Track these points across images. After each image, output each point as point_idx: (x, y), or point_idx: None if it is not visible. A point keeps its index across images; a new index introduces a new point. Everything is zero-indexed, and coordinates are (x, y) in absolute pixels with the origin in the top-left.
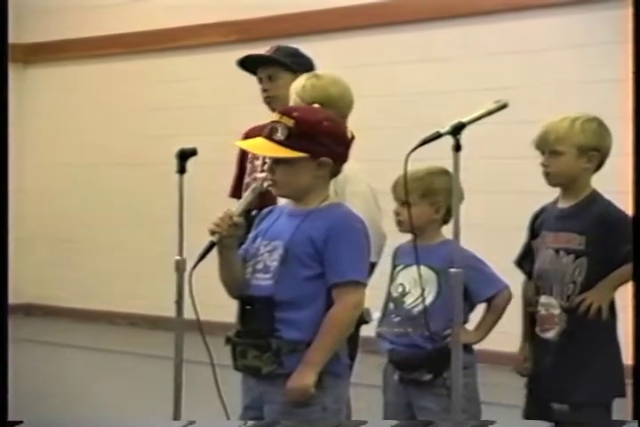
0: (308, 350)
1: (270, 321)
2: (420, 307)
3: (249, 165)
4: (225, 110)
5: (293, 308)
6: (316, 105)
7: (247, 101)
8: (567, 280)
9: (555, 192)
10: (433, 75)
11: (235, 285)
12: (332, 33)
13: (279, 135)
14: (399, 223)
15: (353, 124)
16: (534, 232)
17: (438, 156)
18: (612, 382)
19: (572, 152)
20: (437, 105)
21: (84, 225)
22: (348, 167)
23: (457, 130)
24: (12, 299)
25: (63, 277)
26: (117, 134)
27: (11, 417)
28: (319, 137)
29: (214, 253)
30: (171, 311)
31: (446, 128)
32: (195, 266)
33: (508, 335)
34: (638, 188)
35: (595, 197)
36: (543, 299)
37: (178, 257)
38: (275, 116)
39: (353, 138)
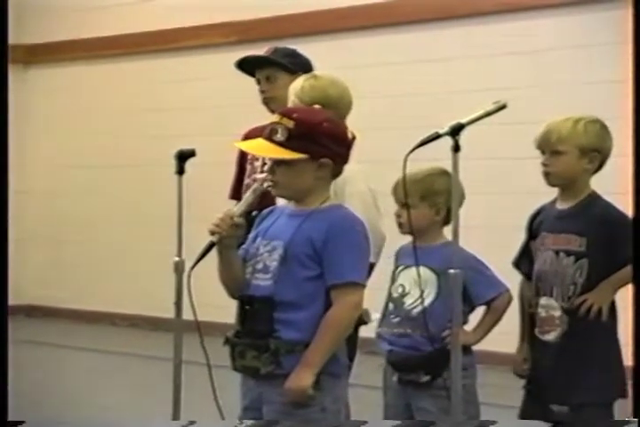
0: (307, 351)
1: (269, 321)
2: (420, 308)
3: (249, 167)
4: (225, 111)
5: (292, 308)
6: (316, 106)
7: (247, 102)
8: (568, 282)
9: (554, 193)
10: (432, 75)
11: (234, 285)
12: (332, 34)
13: (279, 136)
14: (400, 225)
15: (352, 124)
16: (532, 233)
17: (437, 157)
18: (614, 382)
19: (574, 153)
20: (437, 106)
21: (84, 226)
22: (347, 168)
23: (456, 131)
24: (13, 300)
25: (63, 279)
26: (117, 135)
27: (11, 418)
28: (319, 138)
29: (214, 253)
30: (170, 312)
31: (445, 129)
32: (193, 266)
33: (506, 336)
34: (638, 189)
35: (594, 198)
36: (543, 301)
37: (177, 258)
38: (275, 118)
39: (354, 138)
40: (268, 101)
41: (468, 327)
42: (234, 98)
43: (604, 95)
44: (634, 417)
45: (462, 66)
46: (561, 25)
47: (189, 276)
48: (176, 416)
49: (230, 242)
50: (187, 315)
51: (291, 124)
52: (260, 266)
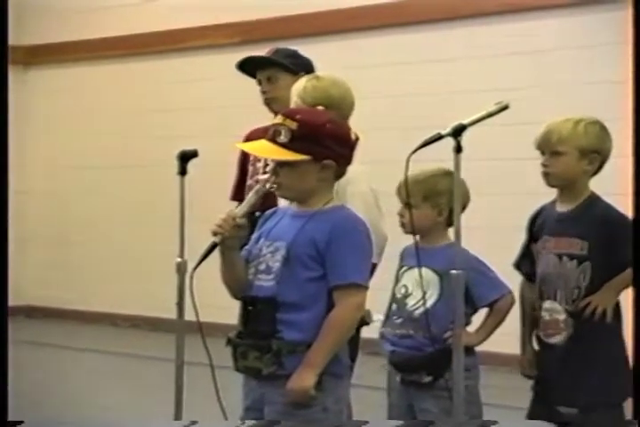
0: (309, 352)
1: (272, 322)
2: (422, 309)
3: (251, 168)
4: (228, 112)
5: (295, 309)
6: (320, 107)
7: (250, 103)
8: (572, 285)
9: (555, 193)
10: (435, 76)
11: (237, 286)
12: (336, 34)
13: (282, 138)
14: (403, 225)
15: (354, 125)
16: (533, 235)
17: (439, 157)
18: (622, 383)
19: (574, 153)
20: (439, 106)
21: (86, 226)
22: (350, 169)
23: (458, 131)
24: (13, 301)
25: (64, 279)
26: (119, 136)
27: (12, 419)
28: (322, 139)
29: (216, 254)
30: (172, 313)
31: (447, 130)
32: (196, 267)
33: (508, 337)
34: (638, 190)
35: (594, 200)
36: (547, 304)
37: (179, 259)
38: (278, 119)
39: (357, 140)
40: (269, 102)
41: (471, 328)
42: (237, 99)
43: (605, 96)
44: (634, 417)
45: (465, 66)
46: (563, 25)
47: (192, 276)
48: (178, 417)
49: (233, 243)
50: (189, 316)
51: (294, 125)
52: (262, 267)
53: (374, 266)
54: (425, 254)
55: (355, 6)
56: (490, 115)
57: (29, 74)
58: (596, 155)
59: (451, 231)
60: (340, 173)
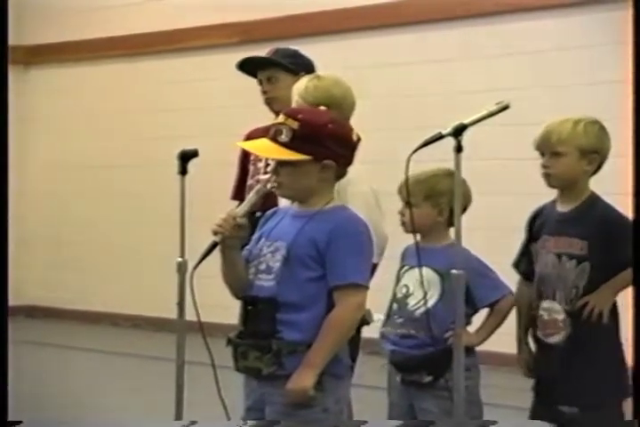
0: (309, 352)
1: (272, 322)
2: (423, 309)
3: (251, 167)
4: (228, 111)
5: (295, 309)
6: (322, 107)
7: (250, 103)
8: (570, 285)
9: (556, 194)
10: (435, 76)
11: (238, 285)
12: (334, 34)
13: (283, 137)
14: (403, 224)
15: (355, 125)
16: (533, 235)
17: (440, 157)
18: (620, 382)
19: (574, 154)
20: (440, 106)
21: (86, 226)
22: (351, 169)
23: (458, 131)
24: (14, 301)
25: (65, 279)
26: (119, 136)
27: (12, 418)
28: (324, 140)
29: (218, 254)
30: (173, 313)
31: (448, 129)
32: (196, 266)
33: (509, 337)
34: (638, 190)
35: (594, 200)
36: (546, 304)
37: (179, 258)
38: (279, 118)
39: (359, 140)
40: (270, 102)
41: (471, 329)
42: (237, 98)
43: (605, 96)
44: (634, 417)
45: (465, 66)
46: (562, 26)
47: (192, 276)
48: (178, 417)
49: (233, 242)
50: (189, 315)
51: (295, 125)
52: (262, 267)
53: (375, 266)
54: (426, 254)
55: (354, 6)
56: (490, 114)
57: (30, 74)
58: (596, 155)
59: (451, 231)
60: (340, 174)
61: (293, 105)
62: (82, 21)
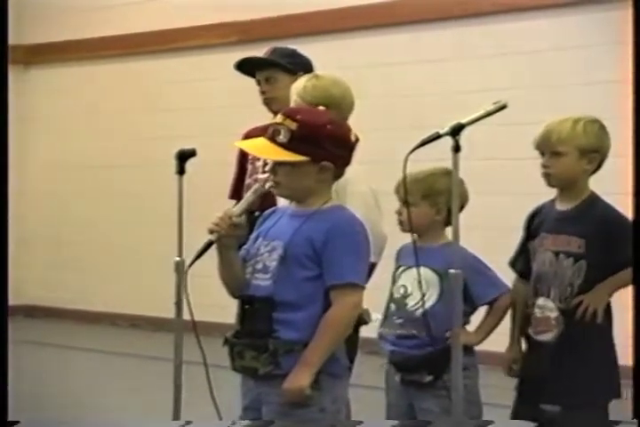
0: (305, 351)
1: (268, 321)
2: (420, 310)
3: (250, 166)
4: (226, 111)
5: (291, 308)
6: (320, 107)
7: (248, 103)
8: (565, 283)
9: (554, 193)
10: (430, 76)
11: (234, 284)
12: (331, 34)
13: (282, 138)
14: (401, 223)
15: (353, 124)
16: (531, 233)
17: (437, 157)
18: (609, 383)
19: (574, 153)
20: (436, 106)
21: (85, 226)
22: (348, 169)
23: (456, 131)
24: (13, 300)
25: (64, 279)
26: (119, 136)
27: (12, 418)
28: (322, 141)
29: (216, 253)
30: (171, 312)
31: (445, 129)
32: (191, 264)
33: (507, 337)
34: (638, 190)
35: (594, 199)
36: (540, 301)
37: (177, 258)
38: (278, 118)
39: (357, 141)
40: (268, 102)
41: (470, 328)
42: (236, 98)
43: (602, 95)
44: (634, 417)
45: (463, 66)
46: (559, 25)
47: (186, 272)
48: (176, 417)
49: (229, 241)
50: (188, 315)
51: (294, 125)
52: (259, 266)
53: (374, 265)
54: (423, 254)
55: (350, 6)
56: (488, 114)
57: (30, 73)
58: (596, 154)
59: (448, 231)
60: (338, 174)
61: (292, 104)
62: (81, 21)
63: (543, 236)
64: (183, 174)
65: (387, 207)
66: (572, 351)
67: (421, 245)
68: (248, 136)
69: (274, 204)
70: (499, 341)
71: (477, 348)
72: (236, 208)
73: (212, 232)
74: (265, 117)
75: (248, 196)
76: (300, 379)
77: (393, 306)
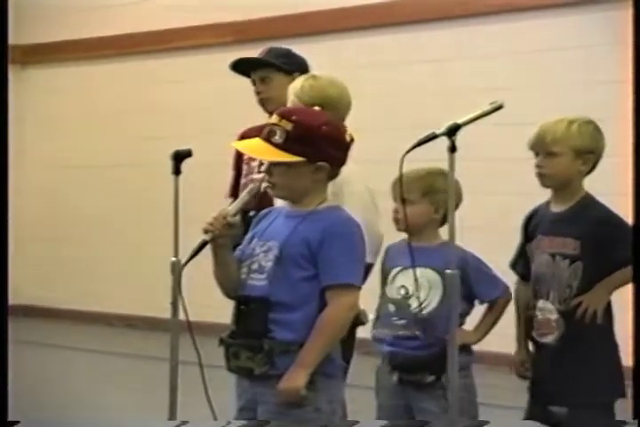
0: (301, 352)
1: (264, 322)
2: (428, 309)
3: (245, 167)
4: (221, 111)
5: (287, 309)
6: (316, 107)
7: (243, 103)
8: (564, 285)
9: (550, 194)
10: (429, 76)
11: (229, 285)
12: (328, 34)
13: (277, 138)
14: (397, 221)
15: (349, 125)
16: (528, 235)
17: (434, 157)
18: (613, 383)
19: (568, 154)
20: (436, 106)
21: (80, 226)
22: (345, 168)
23: (452, 131)
24: (10, 300)
25: (59, 279)
26: (109, 136)
27: (11, 418)
28: (317, 142)
29: (210, 253)
30: (167, 313)
31: (442, 129)
32: (185, 264)
33: (505, 337)
34: (639, 189)
35: (589, 200)
36: (540, 304)
37: (173, 258)
38: (273, 119)
39: (352, 141)
40: (263, 102)
41: (466, 327)
42: (230, 98)
43: (601, 96)
44: (634, 417)
45: (459, 66)
46: (558, 26)
47: (180, 272)
48: (172, 416)
49: (224, 241)
50: (184, 315)
51: (289, 126)
52: (255, 266)
53: (370, 266)
54: (422, 254)
55: (347, 6)
56: (484, 114)
57: (26, 73)
58: (591, 155)
59: (443, 231)
60: (333, 174)
61: (289, 104)
62: (76, 21)
63: (539, 238)
64: (179, 175)
65: (384, 207)
66: (573, 353)
67: (417, 245)
68: (244, 136)
69: (271, 204)
70: (495, 341)
71: (474, 348)
72: (231, 208)
73: (206, 232)
74: (261, 118)
75: (243, 196)
76: (296, 379)
77: (391, 307)
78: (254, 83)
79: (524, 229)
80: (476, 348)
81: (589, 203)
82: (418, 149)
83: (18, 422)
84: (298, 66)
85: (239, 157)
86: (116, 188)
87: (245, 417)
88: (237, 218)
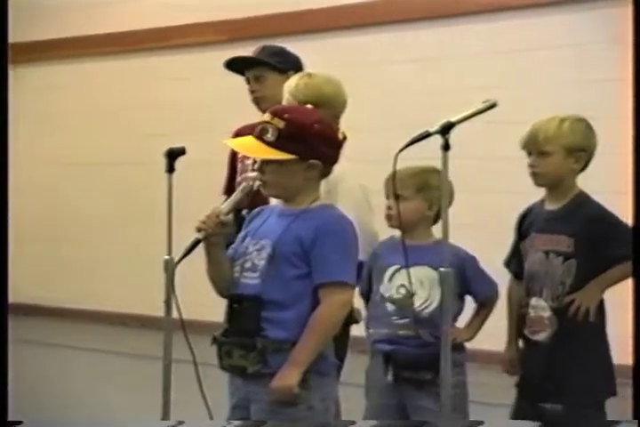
0: (293, 350)
1: (256, 320)
2: (429, 309)
3: (239, 165)
4: (216, 109)
5: (280, 307)
6: (308, 105)
7: (238, 101)
8: (557, 282)
9: (544, 192)
10: (423, 74)
11: (222, 283)
12: (322, 33)
13: (269, 136)
14: (389, 217)
15: (343, 123)
16: (522, 233)
17: (427, 155)
18: (604, 381)
19: (561, 153)
20: (426, 105)
21: (75, 225)
22: (338, 166)
23: (446, 129)
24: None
25: (55, 278)
26: (108, 133)
27: (11, 418)
28: (309, 139)
29: (203, 251)
30: (161, 311)
31: (435, 127)
32: (178, 262)
33: (497, 335)
34: (638, 188)
35: (583, 198)
36: (533, 301)
37: (167, 256)
38: (266, 117)
39: (344, 139)
40: (257, 101)
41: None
42: (225, 96)
43: (593, 94)
44: (634, 417)
45: (452, 65)
46: (551, 24)
47: (173, 270)
48: (165, 416)
49: (217, 240)
50: (177, 314)
51: (281, 124)
52: (248, 265)
53: (363, 264)
54: (418, 253)
55: (341, 5)
56: (478, 112)
57: (18, 71)
58: (583, 153)
59: (436, 230)
60: (325, 173)
61: (284, 102)
62: (68, 19)
63: (533, 236)
64: (172, 172)
65: (378, 205)
66: (566, 351)
67: (411, 243)
68: (238, 134)
69: (265, 202)
70: (488, 339)
71: (466, 346)
72: (224, 206)
73: (199, 230)
74: (255, 116)
75: (236, 194)
76: (289, 377)
77: (390, 306)
78: (248, 81)
79: (517, 228)
80: (467, 346)
81: (583, 201)
82: (411, 147)
83: (21, 422)
84: (292, 64)
85: (234, 154)
86: (112, 185)
87: (238, 416)
88: (230, 216)
